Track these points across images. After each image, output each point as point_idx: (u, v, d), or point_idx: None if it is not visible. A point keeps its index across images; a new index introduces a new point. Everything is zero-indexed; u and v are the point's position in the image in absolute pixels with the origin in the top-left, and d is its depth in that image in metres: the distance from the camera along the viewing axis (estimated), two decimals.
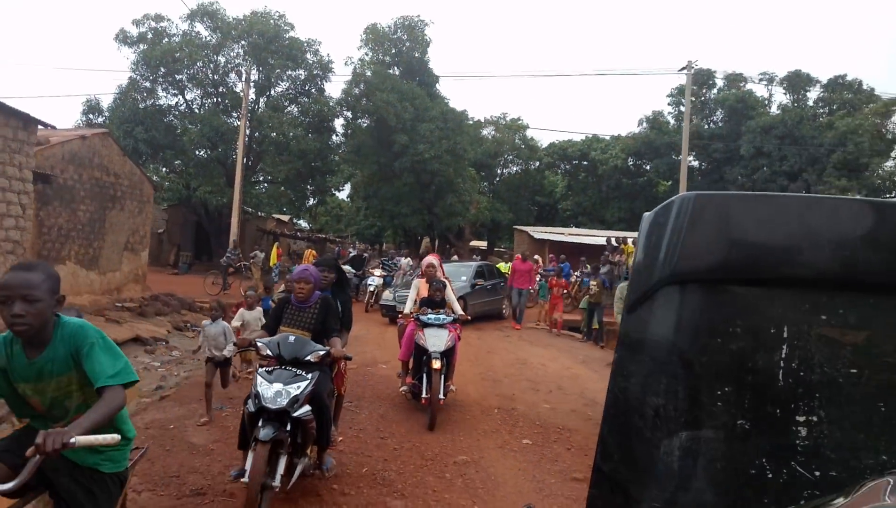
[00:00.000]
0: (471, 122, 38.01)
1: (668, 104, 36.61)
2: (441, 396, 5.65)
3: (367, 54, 28.16)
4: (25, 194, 9.28)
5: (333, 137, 27.56)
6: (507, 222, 39.03)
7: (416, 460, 4.75)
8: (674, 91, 35.75)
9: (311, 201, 32.26)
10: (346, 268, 16.11)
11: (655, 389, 1.42)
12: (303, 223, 50.20)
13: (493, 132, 42.25)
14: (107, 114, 26.35)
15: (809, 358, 1.37)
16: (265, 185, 28.21)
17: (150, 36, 25.55)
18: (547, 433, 5.62)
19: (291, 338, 4.04)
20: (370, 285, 16.15)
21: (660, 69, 54.00)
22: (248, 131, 23.56)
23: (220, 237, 26.44)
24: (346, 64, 29.70)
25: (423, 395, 5.75)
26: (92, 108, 26.41)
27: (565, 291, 14.99)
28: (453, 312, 6.26)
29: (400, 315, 6.56)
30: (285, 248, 30.40)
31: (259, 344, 4.00)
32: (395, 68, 28.40)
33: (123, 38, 25.59)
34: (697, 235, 1.41)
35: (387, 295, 14.08)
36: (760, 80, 33.79)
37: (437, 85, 28.61)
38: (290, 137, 23.92)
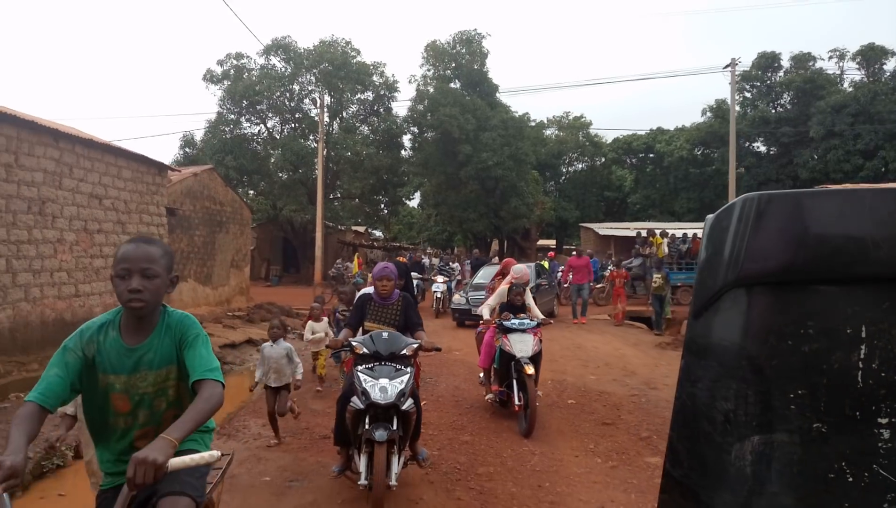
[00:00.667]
0: (533, 124, 39.33)
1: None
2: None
3: (429, 70, 30.04)
4: (162, 225, 11.54)
5: (402, 151, 29.61)
6: (574, 220, 39.82)
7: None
8: (737, 77, 35.60)
9: (385, 212, 34.46)
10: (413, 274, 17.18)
11: (725, 394, 1.41)
12: (378, 233, 52.98)
13: (557, 132, 43.21)
14: (199, 146, 29.53)
15: (892, 357, 1.33)
16: (343, 200, 30.59)
17: (232, 73, 28.44)
18: (589, 395, 7.05)
19: (385, 334, 4.11)
20: (436, 291, 16.41)
21: (702, 68, 53.42)
22: (324, 153, 25.88)
23: (306, 251, 29.01)
24: (409, 82, 31.89)
25: (517, 402, 5.62)
26: (187, 142, 29.61)
27: (626, 281, 15.34)
28: (535, 316, 6.12)
29: (481, 322, 6.32)
30: (364, 257, 32.77)
31: (354, 343, 4.06)
32: (456, 81, 30.11)
33: (210, 78, 28.58)
34: (762, 236, 1.40)
35: (458, 299, 14.27)
36: (830, 57, 33.15)
37: (497, 94, 30.10)
38: (362, 155, 26.07)
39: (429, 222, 44.99)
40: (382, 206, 32.23)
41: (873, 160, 28.72)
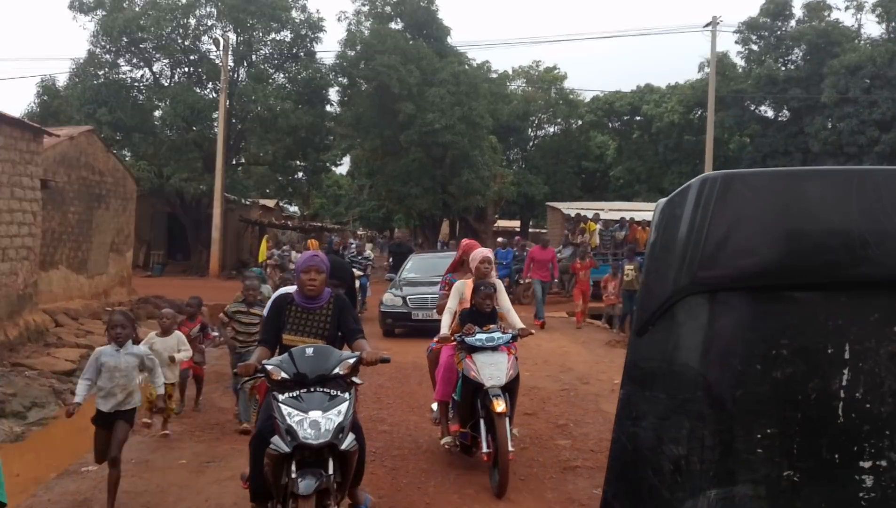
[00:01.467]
0: (494, 75, 41.10)
1: (736, 42, 38.87)
2: (510, 447, 5.35)
3: (363, 5, 31.35)
4: (35, 200, 12.67)
5: (328, 107, 30.87)
6: (542, 197, 41.82)
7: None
8: (741, 27, 38.06)
9: (303, 182, 35.66)
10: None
11: (675, 435, 1.41)
12: (292, 209, 53.76)
13: (524, 86, 45.06)
14: (64, 94, 30.03)
15: (879, 384, 1.34)
16: (250, 166, 31.66)
17: (108, 0, 29.01)
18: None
19: (309, 350, 4.09)
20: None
21: (681, 27, 56.14)
22: (227, 106, 26.92)
23: (198, 232, 30.01)
24: (339, 20, 32.85)
25: (485, 450, 5.45)
26: (47, 90, 30.07)
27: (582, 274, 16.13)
28: (509, 327, 5.97)
29: (435, 340, 6.14)
30: (273, 240, 33.94)
31: (269, 367, 4.02)
32: (398, 21, 31.54)
33: (79, 6, 29.06)
34: (725, 228, 1.40)
35: (389, 298, 13.88)
36: (847, 7, 35.98)
37: (448, 39, 31.68)
38: (276, 110, 27.20)
39: (361, 196, 46.22)
40: (300, 174, 33.44)
41: (890, 133, 31.61)
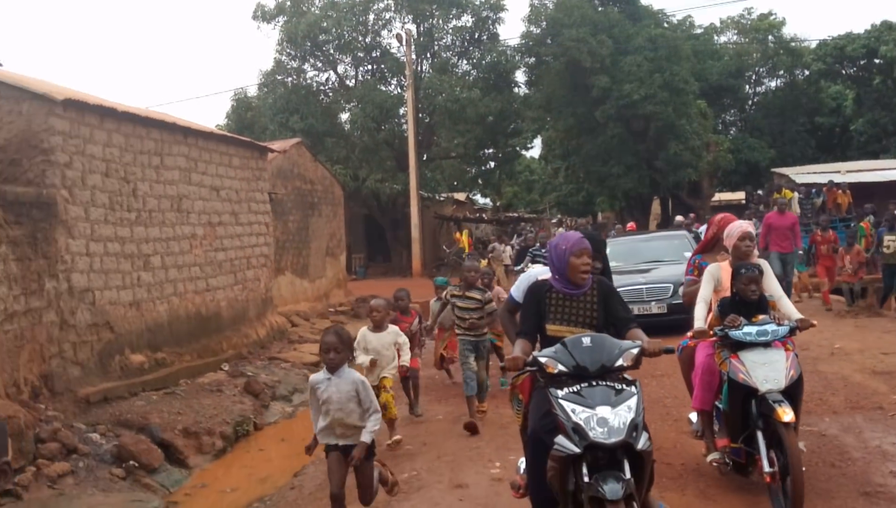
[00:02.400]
0: (699, 30, 41.80)
1: None
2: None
3: None
4: (266, 213, 16.00)
5: (515, 90, 33.30)
6: (768, 162, 41.84)
7: None
8: None
9: (495, 173, 38.36)
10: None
11: None
12: (482, 200, 56.94)
13: (736, 38, 45.19)
14: (256, 104, 34.66)
15: None
16: (440, 161, 34.79)
17: (289, 5, 33.18)
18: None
19: (586, 339, 4.19)
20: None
21: None
22: (414, 102, 30.05)
23: (396, 231, 33.57)
24: None
25: (766, 469, 5.14)
26: (240, 103, 34.83)
27: (834, 247, 15.88)
28: (784, 317, 5.67)
29: (689, 335, 5.89)
30: (470, 234, 37.01)
31: (543, 359, 4.14)
32: None
33: (262, 15, 33.50)
34: None
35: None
36: None
37: (638, 1, 33.13)
38: (463, 100, 29.97)
39: (556, 179, 48.16)
40: (492, 164, 36.13)
41: None
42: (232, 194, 14.52)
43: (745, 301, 5.54)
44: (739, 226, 6.02)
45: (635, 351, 4.15)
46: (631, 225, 26.43)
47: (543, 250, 17.74)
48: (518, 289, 6.06)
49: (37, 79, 11.42)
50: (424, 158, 33.56)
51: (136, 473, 8.52)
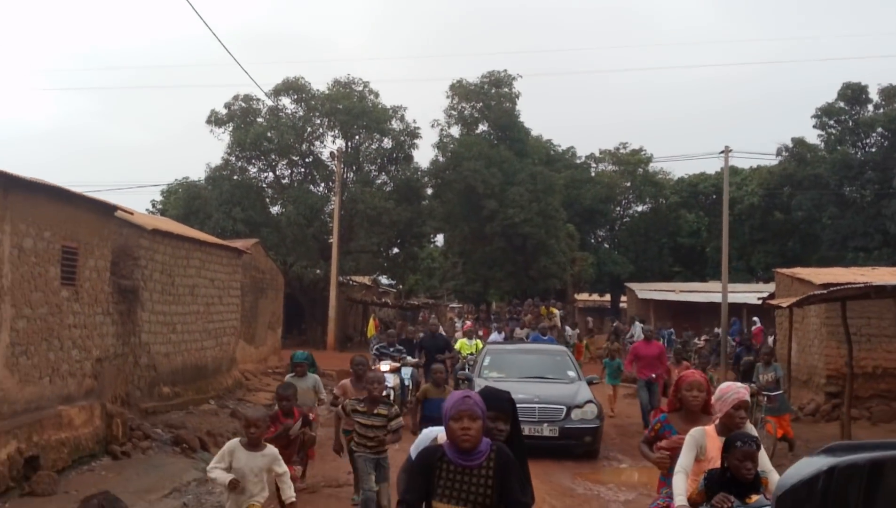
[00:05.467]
0: (580, 160, 50.37)
1: (814, 127, 46.61)
2: None
3: (453, 109, 41.38)
4: (238, 296, 22.50)
5: (423, 202, 40.73)
6: (628, 276, 50.14)
7: None
8: (818, 112, 45.84)
9: (400, 262, 45.29)
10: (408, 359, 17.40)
11: None
12: (384, 280, 63.59)
13: (611, 166, 53.92)
14: (202, 194, 40.95)
15: None
16: (358, 254, 41.68)
17: (239, 114, 39.91)
18: None
19: None
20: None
21: (701, 154, 66.95)
22: (340, 209, 36.90)
23: (314, 310, 40.02)
24: (432, 126, 42.81)
25: None
26: (190, 192, 40.96)
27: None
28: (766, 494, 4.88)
29: None
30: (377, 317, 43.71)
31: None
32: (484, 123, 41.38)
33: (215, 120, 40.12)
34: None
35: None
36: None
37: (528, 139, 41.30)
38: (380, 208, 37.06)
39: (455, 270, 55.15)
40: (401, 260, 43.26)
41: None
42: (219, 282, 21.02)
43: (738, 479, 4.91)
44: (735, 392, 5.48)
45: None
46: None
47: (391, 349, 17.31)
48: (417, 448, 5.40)
49: (126, 208, 17.80)
50: (345, 250, 40.34)
51: (186, 452, 14.79)
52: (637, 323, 32.16)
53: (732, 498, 4.81)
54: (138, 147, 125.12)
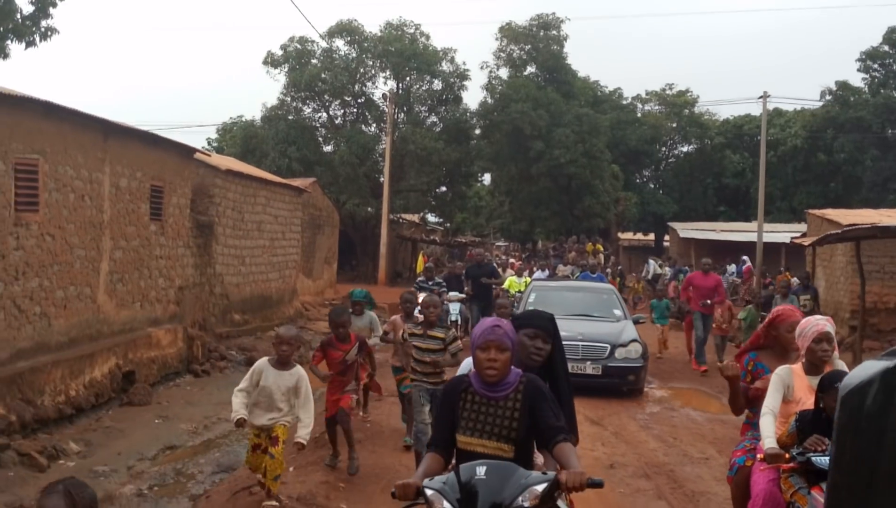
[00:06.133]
0: (626, 101, 50.79)
1: (858, 70, 46.44)
2: None
3: (502, 52, 42.08)
4: (298, 232, 23.99)
5: (471, 143, 41.75)
6: (672, 215, 50.79)
7: None
8: (863, 55, 45.63)
9: (450, 203, 46.62)
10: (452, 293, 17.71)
11: None
12: (431, 218, 64.88)
13: (657, 107, 54.17)
14: (259, 134, 42.39)
15: None
16: (407, 193, 43.00)
17: (294, 55, 41.06)
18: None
19: (480, 469, 3.50)
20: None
21: (740, 98, 64.51)
22: (391, 148, 38.12)
23: (366, 247, 41.57)
24: (481, 68, 43.47)
25: None
26: (247, 131, 42.44)
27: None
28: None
29: (760, 457, 4.98)
30: (428, 254, 45.19)
31: (428, 493, 3.52)
32: (532, 65, 42.04)
33: (271, 61, 41.31)
34: None
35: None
36: None
37: (575, 81, 41.93)
38: (430, 149, 38.20)
39: (502, 208, 56.05)
40: (449, 199, 44.49)
41: None
42: (282, 219, 22.50)
43: (832, 420, 4.06)
44: (815, 325, 5.17)
45: (541, 487, 3.42)
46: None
47: (430, 283, 17.10)
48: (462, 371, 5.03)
49: (204, 150, 19.13)
50: (395, 189, 41.64)
51: None
52: (650, 260, 33.47)
53: (827, 441, 4.42)
54: (195, 87, 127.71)
